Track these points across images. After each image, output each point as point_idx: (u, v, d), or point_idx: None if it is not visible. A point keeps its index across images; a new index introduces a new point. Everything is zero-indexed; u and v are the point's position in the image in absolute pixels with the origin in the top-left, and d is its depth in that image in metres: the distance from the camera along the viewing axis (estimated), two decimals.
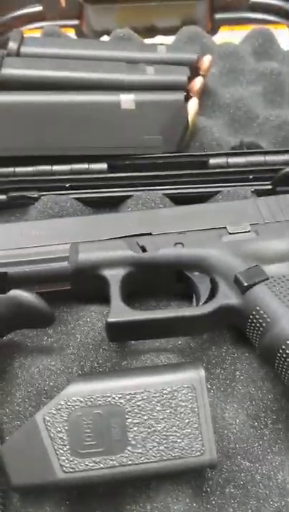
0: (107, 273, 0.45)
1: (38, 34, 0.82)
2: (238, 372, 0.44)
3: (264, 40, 0.72)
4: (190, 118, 0.57)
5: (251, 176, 0.55)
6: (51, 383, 0.43)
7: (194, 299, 0.46)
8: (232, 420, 0.41)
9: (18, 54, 0.60)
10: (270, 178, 0.55)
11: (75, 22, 0.86)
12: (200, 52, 0.64)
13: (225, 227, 0.47)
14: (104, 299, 0.47)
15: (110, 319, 0.43)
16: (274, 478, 0.39)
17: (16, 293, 0.42)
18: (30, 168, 0.56)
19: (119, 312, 0.43)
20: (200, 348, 0.46)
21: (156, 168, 0.56)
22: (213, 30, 0.85)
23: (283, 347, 0.39)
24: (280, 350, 0.39)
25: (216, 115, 0.64)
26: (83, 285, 0.47)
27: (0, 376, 0.44)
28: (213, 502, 0.39)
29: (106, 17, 0.84)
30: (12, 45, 0.60)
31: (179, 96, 0.56)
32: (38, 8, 0.86)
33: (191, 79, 0.60)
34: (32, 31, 0.86)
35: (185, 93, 0.57)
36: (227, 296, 0.43)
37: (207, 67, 0.63)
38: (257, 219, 0.47)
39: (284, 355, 0.39)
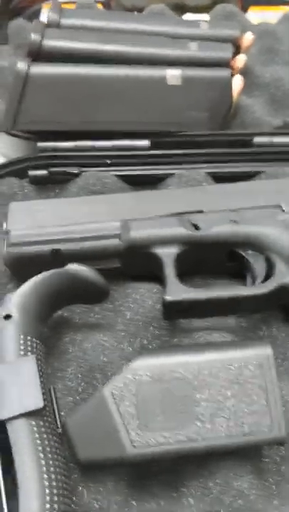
0: (160, 251, 0.45)
1: (68, 7, 0.80)
2: None
3: None
4: (234, 95, 0.57)
5: None
6: (105, 359, 0.42)
7: (248, 278, 0.45)
8: (287, 397, 0.41)
9: (58, 26, 0.59)
10: None
11: None
12: (241, 29, 0.63)
13: (280, 206, 0.46)
14: (152, 278, 0.47)
15: (168, 298, 0.42)
16: None
17: (74, 267, 0.41)
18: (71, 144, 0.55)
19: (177, 291, 0.42)
20: (251, 326, 0.45)
21: (199, 145, 0.56)
22: (243, 10, 0.84)
23: None
24: None
25: (255, 94, 0.63)
26: (134, 263, 0.46)
27: (50, 352, 0.44)
28: (271, 480, 0.38)
29: None
30: (52, 16, 0.59)
31: (226, 72, 0.55)
32: None
33: (233, 56, 0.59)
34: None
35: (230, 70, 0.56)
36: (284, 275, 0.43)
37: (248, 45, 0.62)
38: None
39: None
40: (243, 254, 0.45)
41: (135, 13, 0.78)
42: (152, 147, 0.55)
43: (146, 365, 0.35)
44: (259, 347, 0.36)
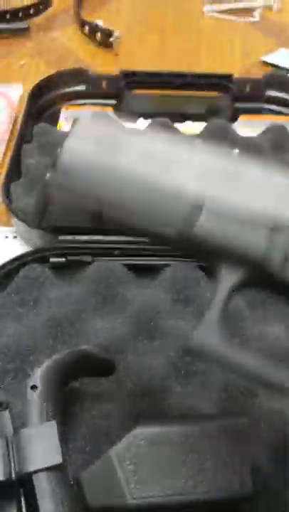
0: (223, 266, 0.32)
1: (81, 110, 0.95)
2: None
3: (280, 134, 0.85)
4: None
5: None
6: (108, 423, 0.52)
7: None
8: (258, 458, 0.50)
9: None
10: None
11: (114, 102, 0.98)
12: (229, 145, 0.76)
13: None
14: None
15: (190, 342, 0.32)
16: None
17: (87, 347, 0.52)
18: (85, 237, 0.66)
19: (210, 336, 0.32)
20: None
21: None
22: (234, 119, 0.98)
23: None
24: None
25: None
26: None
27: (63, 417, 0.53)
28: None
29: (142, 101, 0.96)
30: None
31: None
32: (82, 87, 0.99)
33: None
34: (74, 108, 0.98)
35: None
36: None
37: None
38: None
39: None
40: None
41: (140, 122, 0.92)
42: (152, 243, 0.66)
43: (144, 432, 0.45)
44: (239, 420, 0.46)
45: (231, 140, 0.82)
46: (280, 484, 0.49)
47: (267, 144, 0.84)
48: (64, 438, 0.50)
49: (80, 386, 0.56)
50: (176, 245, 0.36)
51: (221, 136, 0.82)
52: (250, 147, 0.82)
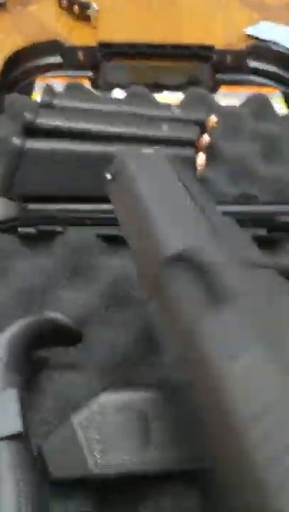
0: None
1: (55, 80, 0.92)
2: None
3: (262, 104, 0.83)
4: (198, 171, 0.66)
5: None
6: (76, 394, 0.49)
7: None
8: None
9: (50, 106, 0.68)
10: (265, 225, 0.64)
11: (90, 74, 0.95)
12: (207, 112, 0.73)
13: None
14: None
15: None
16: None
17: (52, 314, 0.49)
18: (58, 206, 0.64)
19: None
20: None
21: None
22: (214, 89, 0.95)
23: None
24: None
25: (218, 168, 0.73)
26: None
27: (29, 388, 0.50)
28: None
29: (119, 72, 0.93)
30: (45, 98, 0.68)
31: (190, 152, 0.65)
32: (58, 59, 0.96)
33: (198, 136, 0.69)
34: (50, 79, 0.95)
35: (194, 149, 0.66)
36: None
37: (213, 126, 0.72)
38: None
39: None
40: None
41: (114, 90, 0.89)
42: None
43: (110, 399, 0.42)
44: None
45: (210, 108, 0.79)
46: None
47: (247, 114, 0.81)
48: (28, 409, 0.48)
49: (48, 356, 0.53)
50: None
51: (200, 104, 0.80)
52: (229, 116, 0.79)
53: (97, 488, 0.44)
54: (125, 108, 0.71)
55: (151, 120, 0.69)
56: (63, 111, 0.67)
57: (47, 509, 0.41)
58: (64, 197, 0.64)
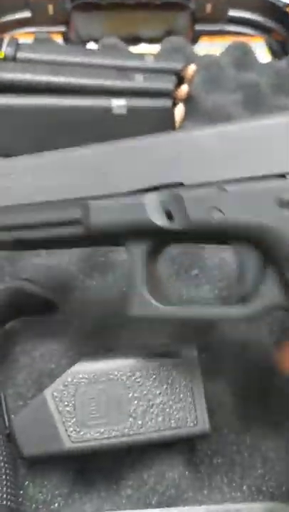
0: (127, 245, 0.36)
1: (26, 38, 0.85)
2: (226, 353, 0.48)
3: (243, 52, 0.78)
4: (177, 123, 0.62)
5: None
6: (52, 366, 0.46)
7: (238, 280, 0.36)
8: (220, 397, 0.45)
9: (14, 59, 0.63)
10: None
11: (63, 28, 0.89)
12: (185, 62, 0.68)
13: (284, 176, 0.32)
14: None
15: (132, 313, 0.37)
16: (258, 448, 0.43)
17: (22, 283, 0.45)
18: None
19: (143, 306, 0.36)
20: (191, 332, 0.50)
21: None
22: (194, 41, 0.90)
23: None
24: None
25: (198, 119, 0.69)
26: (103, 243, 0.42)
27: (2, 361, 0.47)
28: (202, 471, 0.43)
29: (93, 25, 0.87)
30: (9, 51, 0.63)
31: (167, 102, 0.60)
32: (27, 14, 0.90)
33: (177, 86, 0.65)
34: (21, 36, 0.89)
35: (172, 100, 0.61)
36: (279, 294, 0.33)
37: (191, 76, 0.67)
38: None
39: None
40: (235, 249, 0.35)
41: (88, 45, 0.83)
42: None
43: (84, 369, 0.39)
44: (186, 349, 0.41)
45: (189, 58, 0.74)
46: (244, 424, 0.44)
47: (228, 63, 0.76)
48: (1, 383, 0.45)
49: (21, 326, 0.50)
50: (87, 241, 0.39)
51: (178, 54, 0.74)
52: (210, 65, 0.74)
53: (76, 463, 0.41)
54: (96, 59, 0.66)
55: (125, 71, 0.64)
56: (27, 64, 0.62)
57: (18, 488, 0.38)
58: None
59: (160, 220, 0.35)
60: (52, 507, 0.40)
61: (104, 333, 0.49)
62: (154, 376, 0.39)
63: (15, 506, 0.36)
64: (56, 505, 0.40)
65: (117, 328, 0.49)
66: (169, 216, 0.35)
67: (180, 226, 0.34)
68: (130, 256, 0.36)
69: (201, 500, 0.41)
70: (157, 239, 0.36)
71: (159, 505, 0.39)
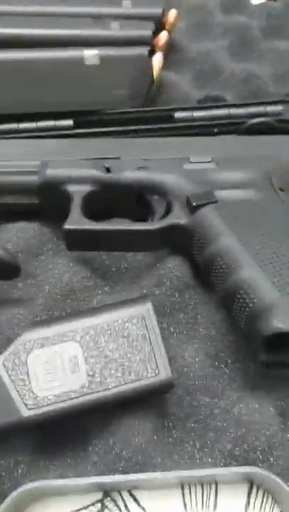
0: (72, 189, 0.49)
1: None
2: (199, 316, 0.46)
3: None
4: (155, 73, 0.58)
5: (216, 130, 0.56)
6: (19, 331, 0.44)
7: (149, 220, 0.49)
8: (192, 359, 0.43)
9: None
10: (234, 131, 0.56)
11: None
12: (165, 7, 0.63)
13: (188, 158, 0.50)
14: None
15: (66, 226, 0.46)
16: (231, 411, 0.41)
17: None
18: None
19: (76, 221, 0.46)
20: (164, 295, 0.47)
21: (122, 123, 0.57)
22: None
23: (218, 259, 0.43)
24: (215, 263, 0.43)
25: (183, 69, 0.64)
26: (50, 200, 0.50)
27: None
28: (175, 436, 0.41)
29: None
30: None
31: (143, 51, 0.56)
32: None
33: (156, 34, 0.60)
34: None
35: (149, 48, 0.57)
36: (178, 217, 0.47)
37: (172, 22, 0.63)
38: (220, 153, 0.50)
39: (218, 267, 0.43)
40: (149, 198, 0.49)
41: None
42: (76, 126, 0.57)
43: (35, 334, 0.38)
44: (140, 302, 0.39)
45: (175, 2, 0.69)
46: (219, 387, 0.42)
47: (217, 6, 0.71)
48: None
49: None
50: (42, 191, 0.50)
51: None
52: (196, 9, 0.69)
53: (39, 431, 0.40)
54: (70, 8, 0.62)
55: (101, 19, 0.60)
56: None
57: None
58: (1, 116, 0.56)
59: (102, 171, 0.49)
60: (15, 474, 0.39)
61: (74, 296, 0.47)
62: (108, 332, 0.38)
63: None
64: (19, 471, 0.39)
65: (88, 292, 0.47)
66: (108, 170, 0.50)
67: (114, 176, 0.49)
68: (73, 196, 0.48)
69: (170, 466, 0.39)
70: (95, 185, 0.49)
71: (125, 472, 0.38)
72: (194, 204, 0.46)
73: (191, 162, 0.49)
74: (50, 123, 0.56)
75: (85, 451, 0.40)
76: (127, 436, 0.39)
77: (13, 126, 0.56)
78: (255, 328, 0.38)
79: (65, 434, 0.40)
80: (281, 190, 0.47)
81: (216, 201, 0.46)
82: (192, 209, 0.46)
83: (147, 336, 0.38)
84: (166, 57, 0.61)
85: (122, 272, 0.50)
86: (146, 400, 0.40)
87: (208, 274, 0.44)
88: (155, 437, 0.40)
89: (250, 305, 0.39)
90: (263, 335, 0.38)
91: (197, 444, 0.40)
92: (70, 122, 0.57)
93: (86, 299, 0.47)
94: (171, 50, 0.64)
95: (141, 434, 0.39)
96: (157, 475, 0.37)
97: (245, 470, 0.37)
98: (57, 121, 0.57)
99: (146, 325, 0.38)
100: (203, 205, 0.45)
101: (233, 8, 0.71)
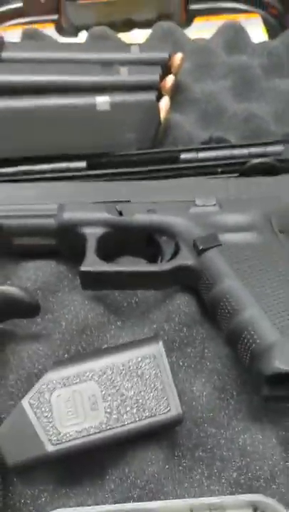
0: (87, 231, 0.52)
1: (18, 30, 0.85)
2: (206, 350, 0.49)
3: (235, 33, 0.76)
4: (162, 115, 0.61)
5: (220, 170, 0.60)
6: (40, 366, 0.48)
7: (158, 260, 0.53)
8: (200, 393, 0.46)
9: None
10: (237, 171, 0.60)
11: (55, 17, 0.89)
12: (172, 51, 0.67)
13: (194, 201, 0.53)
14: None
15: (83, 268, 0.50)
16: (236, 441, 0.44)
17: (3, 288, 0.47)
18: (12, 169, 0.60)
19: (92, 263, 0.50)
20: (173, 330, 0.51)
21: (131, 164, 0.61)
22: (188, 21, 0.88)
23: (224, 299, 0.46)
24: (221, 303, 0.46)
25: (187, 110, 0.68)
26: (66, 241, 0.54)
27: None
28: (184, 464, 0.44)
29: (84, 12, 0.87)
30: None
31: (151, 96, 0.60)
32: (19, 4, 0.89)
33: (163, 77, 0.64)
34: (13, 27, 0.89)
35: (157, 92, 0.61)
36: (186, 258, 0.50)
37: (178, 65, 0.66)
38: (223, 195, 0.54)
39: (223, 308, 0.46)
40: (158, 239, 0.53)
41: (80, 34, 0.82)
42: (89, 168, 0.60)
43: (56, 374, 0.41)
44: (152, 342, 0.43)
45: (177, 44, 0.73)
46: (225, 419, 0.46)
47: (219, 45, 0.75)
48: None
49: (11, 328, 0.52)
50: (58, 233, 0.54)
51: (167, 40, 0.73)
52: (198, 51, 0.73)
53: (61, 463, 0.43)
54: (81, 54, 0.66)
55: (109, 65, 0.64)
56: (11, 64, 0.63)
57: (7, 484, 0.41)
58: (18, 159, 0.60)
59: (114, 215, 0.53)
60: (39, 501, 0.42)
61: (89, 332, 0.50)
62: (124, 371, 0.41)
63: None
64: (43, 499, 0.42)
65: (101, 328, 0.51)
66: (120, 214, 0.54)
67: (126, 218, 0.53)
68: (87, 237, 0.52)
69: (181, 494, 0.42)
70: (108, 227, 0.53)
71: (139, 499, 0.41)
72: (200, 248, 0.49)
73: (197, 205, 0.53)
74: (64, 165, 0.60)
75: (102, 480, 0.43)
76: (141, 465, 0.42)
77: (29, 168, 0.60)
78: (258, 366, 0.42)
79: (84, 465, 0.43)
80: (281, 232, 0.51)
81: (220, 244, 0.49)
82: (199, 252, 0.49)
83: (159, 374, 0.41)
84: (171, 98, 0.65)
85: (133, 307, 0.54)
86: (158, 433, 0.44)
87: (214, 313, 0.48)
88: (167, 467, 0.43)
89: (253, 345, 0.43)
90: (265, 374, 0.41)
91: (205, 472, 0.44)
92: (83, 164, 0.60)
93: (100, 334, 0.51)
94: (176, 91, 0.68)
95: (154, 463, 0.43)
96: (169, 502, 0.41)
97: (251, 498, 0.41)
98: (70, 163, 0.60)
99: (157, 364, 0.42)
100: (209, 248, 0.49)
101: (235, 47, 0.75)
